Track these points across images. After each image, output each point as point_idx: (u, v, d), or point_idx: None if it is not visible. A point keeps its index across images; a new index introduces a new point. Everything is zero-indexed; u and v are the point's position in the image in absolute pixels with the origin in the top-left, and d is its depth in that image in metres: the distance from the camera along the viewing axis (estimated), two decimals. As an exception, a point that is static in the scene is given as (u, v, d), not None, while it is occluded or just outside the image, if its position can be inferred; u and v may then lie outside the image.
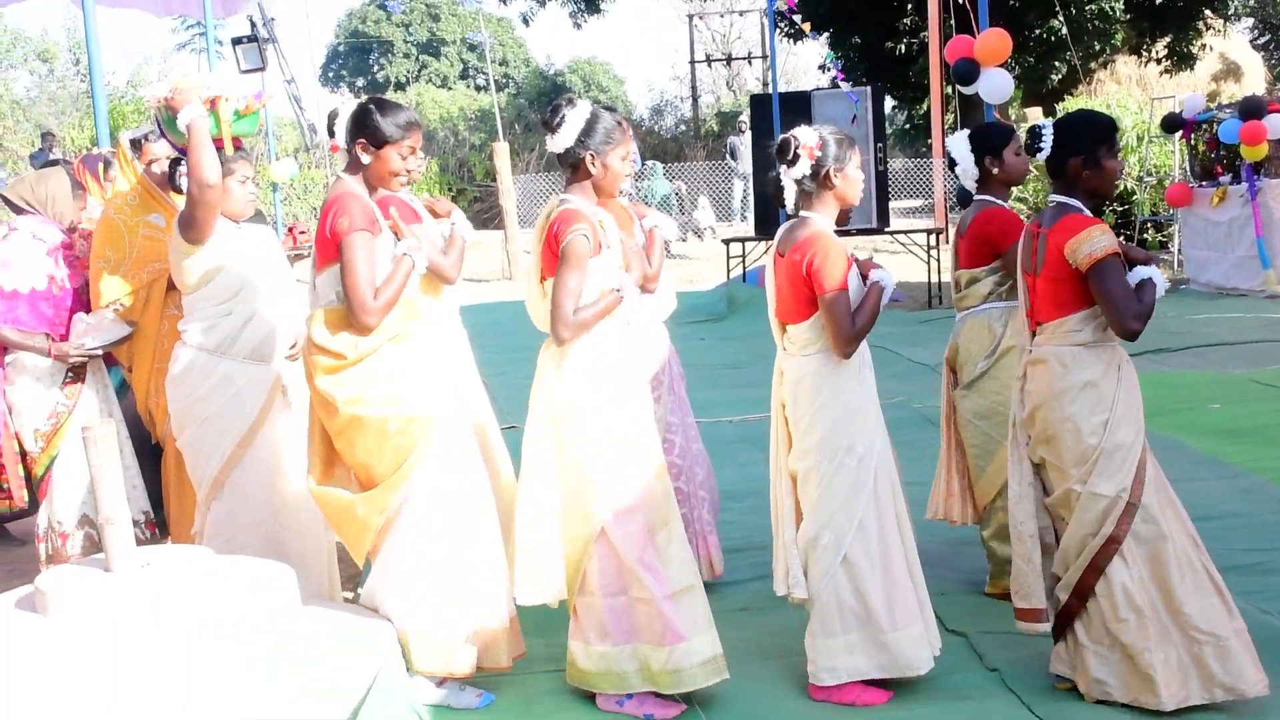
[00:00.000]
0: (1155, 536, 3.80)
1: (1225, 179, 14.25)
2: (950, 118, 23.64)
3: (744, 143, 22.38)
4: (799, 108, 15.05)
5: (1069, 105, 19.31)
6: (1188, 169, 15.66)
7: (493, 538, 4.03)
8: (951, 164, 5.04)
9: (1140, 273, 3.86)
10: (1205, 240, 14.59)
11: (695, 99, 38.27)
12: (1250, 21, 33.10)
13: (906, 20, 24.60)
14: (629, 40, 77.63)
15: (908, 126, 31.07)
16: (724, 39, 43.14)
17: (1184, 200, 14.68)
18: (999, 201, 4.90)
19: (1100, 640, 3.85)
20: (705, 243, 22.93)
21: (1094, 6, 23.41)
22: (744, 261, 16.59)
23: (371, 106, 3.98)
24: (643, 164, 5.62)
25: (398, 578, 3.96)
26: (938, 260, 15.29)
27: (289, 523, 4.51)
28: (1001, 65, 9.14)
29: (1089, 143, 3.91)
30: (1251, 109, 12.26)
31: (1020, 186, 18.11)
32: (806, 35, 20.22)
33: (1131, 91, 26.19)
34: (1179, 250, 15.87)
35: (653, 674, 3.89)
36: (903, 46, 24.81)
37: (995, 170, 4.87)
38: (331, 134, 4.12)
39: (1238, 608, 3.86)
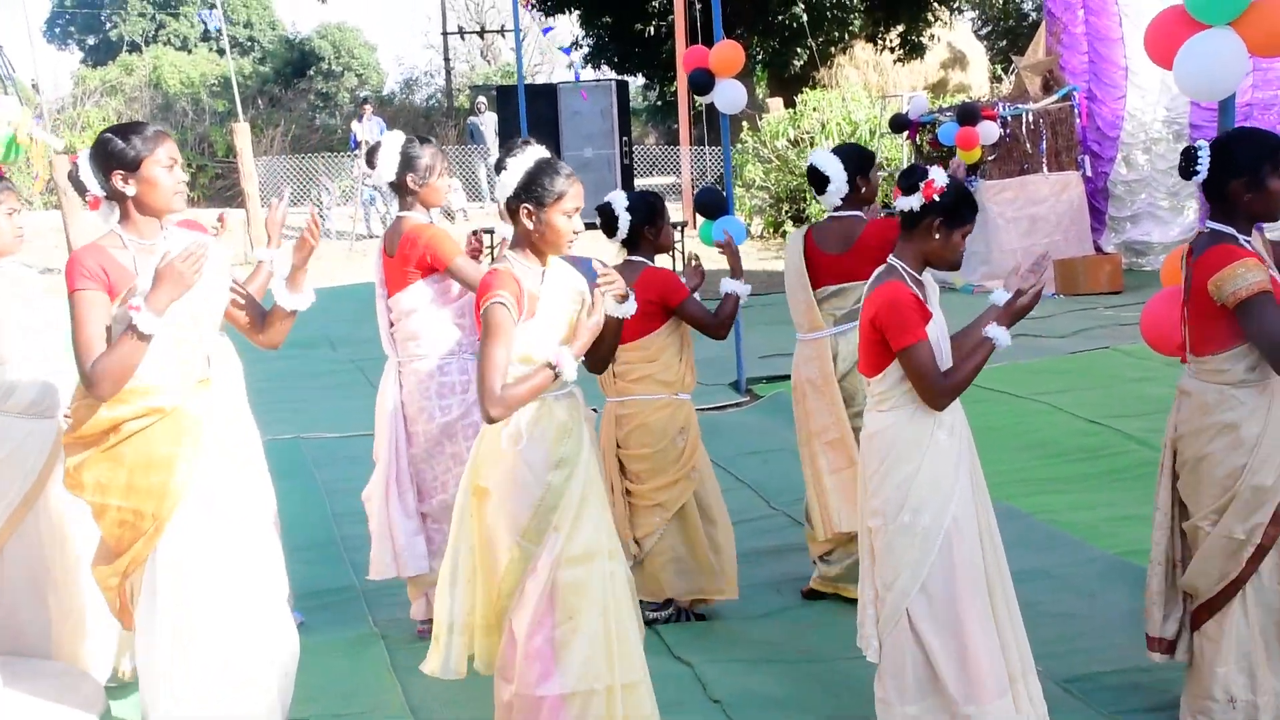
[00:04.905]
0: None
1: (946, 177, 15.03)
2: (697, 100, 24.14)
3: (484, 123, 22.12)
4: (546, 100, 15.12)
5: (809, 95, 20.00)
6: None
7: (264, 635, 3.59)
8: (821, 180, 5.03)
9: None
10: (930, 234, 15.35)
11: (449, 72, 37.75)
12: (974, 14, 35.13)
13: (655, 3, 24.99)
14: (380, 6, 75.76)
15: (659, 103, 31.56)
16: (478, 8, 42.68)
17: (910, 195, 15.45)
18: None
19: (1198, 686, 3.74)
20: (456, 224, 22.78)
21: (831, -4, 24.36)
22: (494, 252, 16.57)
23: (109, 134, 3.53)
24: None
25: (145, 667, 3.55)
26: (683, 252, 15.60)
27: (58, 588, 4.19)
28: (735, 76, 9.38)
29: (1252, 162, 3.59)
30: (967, 115, 12.99)
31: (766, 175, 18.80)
32: (554, 16, 20.21)
33: (869, 77, 27.37)
34: (906, 240, 16.75)
35: None
36: (652, 28, 25.22)
37: (864, 189, 5.04)
38: (81, 191, 3.56)
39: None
